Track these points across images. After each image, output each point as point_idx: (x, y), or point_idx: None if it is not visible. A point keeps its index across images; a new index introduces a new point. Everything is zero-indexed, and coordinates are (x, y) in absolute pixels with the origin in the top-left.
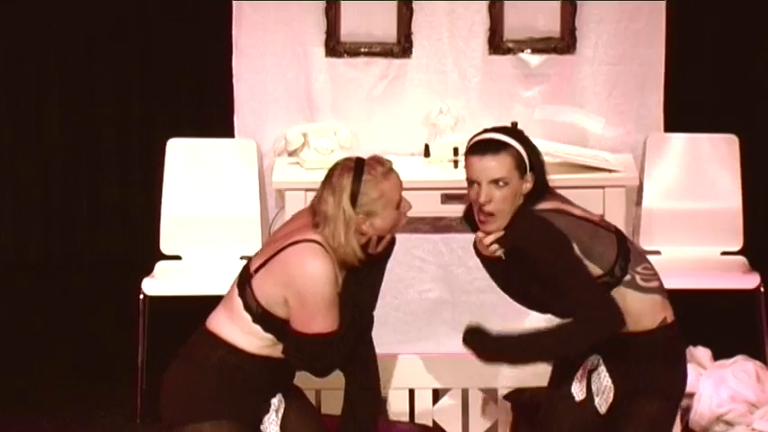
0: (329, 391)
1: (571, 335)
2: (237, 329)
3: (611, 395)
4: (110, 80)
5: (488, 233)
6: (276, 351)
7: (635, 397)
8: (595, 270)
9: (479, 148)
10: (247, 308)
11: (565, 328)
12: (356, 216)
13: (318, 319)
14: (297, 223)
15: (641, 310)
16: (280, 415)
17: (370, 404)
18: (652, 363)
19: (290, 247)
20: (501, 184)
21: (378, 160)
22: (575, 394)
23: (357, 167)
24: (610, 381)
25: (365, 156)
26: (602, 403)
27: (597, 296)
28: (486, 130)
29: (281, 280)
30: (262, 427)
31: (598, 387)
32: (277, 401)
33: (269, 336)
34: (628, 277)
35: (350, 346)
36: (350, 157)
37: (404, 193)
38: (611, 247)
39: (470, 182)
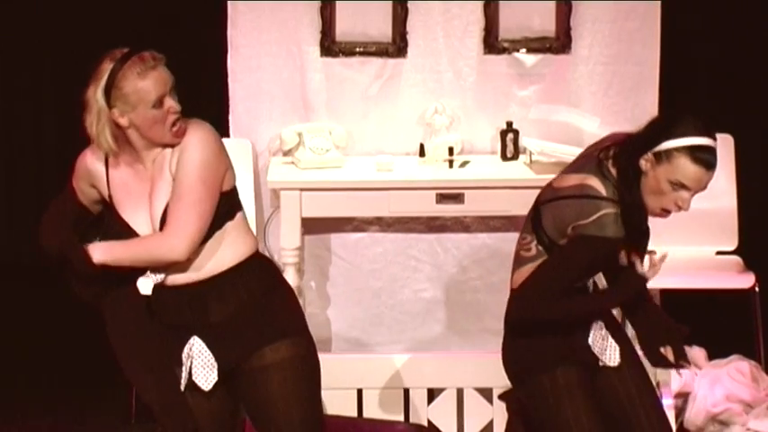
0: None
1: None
2: None
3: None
4: None
5: None
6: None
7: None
8: None
9: (709, 160)
10: None
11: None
12: (108, 110)
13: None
14: None
15: None
16: (196, 374)
17: None
18: None
19: None
20: None
21: (142, 58)
22: (593, 346)
23: (121, 59)
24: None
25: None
26: (613, 356)
27: None
28: (702, 131)
29: None
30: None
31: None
32: (188, 350)
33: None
34: None
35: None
36: (127, 50)
37: (397, 193)
38: None
39: (676, 183)
